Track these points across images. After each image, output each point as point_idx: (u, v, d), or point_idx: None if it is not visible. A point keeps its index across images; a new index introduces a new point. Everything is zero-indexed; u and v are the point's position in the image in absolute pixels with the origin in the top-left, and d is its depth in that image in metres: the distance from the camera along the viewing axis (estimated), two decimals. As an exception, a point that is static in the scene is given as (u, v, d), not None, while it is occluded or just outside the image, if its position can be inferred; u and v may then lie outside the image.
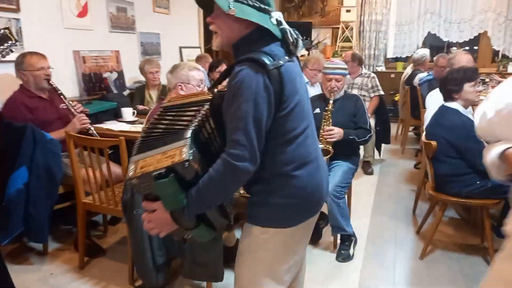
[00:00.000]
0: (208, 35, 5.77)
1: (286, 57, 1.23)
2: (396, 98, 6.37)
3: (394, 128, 5.37)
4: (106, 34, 3.69)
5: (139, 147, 1.20)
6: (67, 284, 2.26)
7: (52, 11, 3.10)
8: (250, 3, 1.19)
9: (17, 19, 2.81)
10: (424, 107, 3.97)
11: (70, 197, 2.60)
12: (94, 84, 3.49)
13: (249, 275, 1.34)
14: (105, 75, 3.60)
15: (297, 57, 1.33)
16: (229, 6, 1.15)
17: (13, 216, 2.32)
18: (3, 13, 2.70)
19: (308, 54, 6.64)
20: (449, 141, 2.39)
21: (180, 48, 4.87)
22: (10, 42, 1.37)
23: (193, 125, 1.15)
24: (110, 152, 2.31)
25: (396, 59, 6.99)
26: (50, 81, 2.62)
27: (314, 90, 3.87)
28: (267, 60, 1.15)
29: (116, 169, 2.45)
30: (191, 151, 1.07)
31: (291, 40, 1.23)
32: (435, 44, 6.81)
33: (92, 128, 2.62)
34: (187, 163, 1.06)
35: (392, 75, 6.69)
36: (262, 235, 1.29)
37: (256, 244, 1.31)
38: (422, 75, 4.50)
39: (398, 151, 4.97)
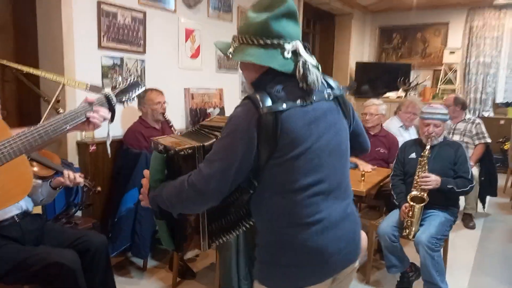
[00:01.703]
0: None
1: (298, 101, 1.11)
2: (506, 147, 5.79)
3: (502, 179, 4.88)
4: (213, 73, 4.07)
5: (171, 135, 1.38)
6: (160, 300, 2.46)
7: (170, 53, 3.55)
8: (254, 42, 1.12)
9: (143, 60, 3.27)
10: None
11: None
12: (199, 118, 3.83)
13: None
14: (209, 110, 3.94)
15: (338, 98, 1.23)
16: (228, 51, 1.16)
17: (122, 231, 2.63)
18: (133, 55, 3.17)
19: (405, 96, 6.45)
20: None
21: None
22: (139, 87, 1.61)
23: (206, 143, 1.20)
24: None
25: (507, 105, 6.40)
26: (165, 115, 2.97)
27: (409, 134, 3.75)
28: (267, 102, 1.08)
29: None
30: (187, 152, 1.16)
31: (309, 80, 1.10)
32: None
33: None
34: (172, 152, 1.16)
35: (502, 121, 6.12)
36: None
37: None
38: (537, 123, 4.07)
39: (507, 205, 4.48)
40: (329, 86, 1.23)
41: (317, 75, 1.13)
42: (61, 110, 2.55)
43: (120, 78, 1.59)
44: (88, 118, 1.37)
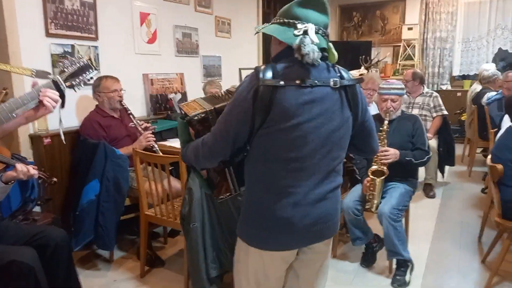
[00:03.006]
0: (267, 56, 5.94)
1: (297, 81, 1.18)
2: (462, 118, 6.04)
3: (460, 149, 5.09)
4: (172, 58, 3.97)
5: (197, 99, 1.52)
6: (129, 290, 2.43)
7: (125, 39, 3.42)
8: (276, 20, 1.27)
9: (95, 47, 3.13)
10: (493, 128, 3.76)
11: (135, 209, 2.80)
12: (160, 104, 3.75)
13: (238, 285, 1.46)
14: (170, 96, 3.86)
15: (346, 88, 1.27)
16: (256, 28, 1.31)
17: (85, 224, 2.55)
18: (84, 42, 3.04)
19: (367, 73, 6.56)
20: (517, 165, 2.24)
21: (240, 69, 5.07)
22: (91, 71, 1.54)
23: (217, 105, 1.39)
24: (171, 168, 2.47)
25: (463, 77, 6.65)
26: (122, 102, 2.88)
27: (370, 110, 3.81)
28: (267, 75, 1.18)
29: (176, 183, 2.61)
30: (200, 116, 1.37)
31: (303, 51, 1.17)
32: (508, 60, 6.40)
33: (156, 146, 2.82)
34: (188, 118, 1.38)
35: (459, 94, 6.37)
36: (241, 247, 1.40)
37: (238, 255, 1.43)
38: (491, 94, 4.25)
39: (465, 173, 4.69)
40: (341, 75, 1.28)
41: (314, 50, 1.18)
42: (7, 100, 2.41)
43: (67, 61, 1.51)
44: (40, 101, 1.31)
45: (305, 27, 1.20)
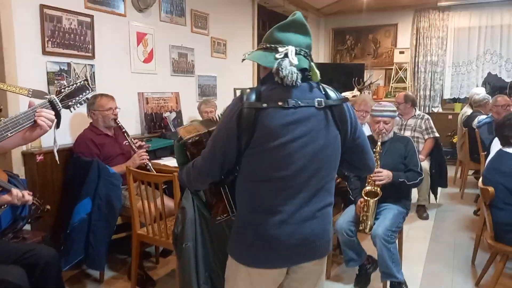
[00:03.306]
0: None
1: (280, 103, 1.22)
2: (454, 140, 6.12)
3: (452, 171, 5.13)
4: (168, 77, 4.00)
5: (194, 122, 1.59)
6: (118, 312, 2.37)
7: (122, 58, 3.45)
8: (260, 46, 1.33)
9: (92, 65, 3.16)
10: (484, 150, 3.81)
11: (126, 228, 2.77)
12: (155, 123, 3.75)
13: None
14: (165, 114, 3.87)
15: (332, 108, 1.29)
16: (243, 55, 1.35)
17: (75, 243, 2.52)
18: (81, 60, 3.06)
19: (360, 95, 6.66)
20: (507, 188, 2.27)
21: (235, 89, 5.11)
22: (88, 91, 1.56)
23: (210, 128, 1.44)
24: (164, 187, 2.46)
25: (454, 100, 6.77)
26: (117, 120, 2.88)
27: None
28: (251, 98, 1.24)
29: (169, 202, 2.59)
30: (194, 139, 1.43)
31: (281, 74, 1.22)
32: (497, 84, 6.55)
33: (150, 164, 2.81)
34: (182, 141, 1.44)
35: (450, 116, 6.47)
36: (231, 265, 1.41)
37: (228, 272, 1.45)
38: (481, 117, 4.32)
39: (457, 195, 4.72)
40: (326, 94, 1.32)
41: (292, 71, 1.23)
42: (2, 119, 2.40)
43: (64, 82, 1.53)
44: (35, 121, 1.31)
45: (285, 49, 1.25)
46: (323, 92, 1.32)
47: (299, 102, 1.25)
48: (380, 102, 2.81)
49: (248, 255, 1.33)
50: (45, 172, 2.73)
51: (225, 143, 1.27)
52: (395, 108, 2.73)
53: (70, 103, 1.52)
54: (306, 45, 1.31)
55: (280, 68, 1.22)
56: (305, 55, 1.30)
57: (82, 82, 1.59)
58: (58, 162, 1.89)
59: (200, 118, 4.01)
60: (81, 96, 1.57)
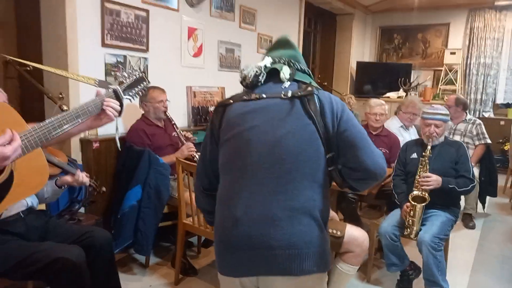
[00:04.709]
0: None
1: (244, 97, 1.31)
2: (506, 147, 5.83)
3: (502, 180, 4.89)
4: (215, 72, 4.08)
5: None
6: (162, 297, 2.47)
7: (173, 52, 3.56)
8: None
9: (145, 58, 3.28)
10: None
11: (171, 218, 2.86)
12: (201, 116, 3.84)
13: None
14: (211, 108, 3.95)
15: (301, 98, 1.26)
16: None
17: (125, 228, 2.64)
18: (136, 53, 3.19)
19: (406, 97, 6.47)
20: None
21: (278, 86, 5.13)
22: (144, 83, 1.63)
23: None
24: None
25: (507, 105, 6.43)
26: (167, 112, 2.98)
27: (409, 134, 3.76)
28: (227, 100, 1.36)
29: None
30: None
31: (242, 75, 1.37)
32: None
33: (197, 156, 2.89)
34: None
35: (502, 122, 6.15)
36: None
37: None
38: (538, 125, 4.09)
39: (507, 206, 4.50)
40: (299, 85, 1.33)
41: (250, 71, 1.34)
42: (65, 107, 2.55)
43: (125, 73, 1.61)
44: (103, 110, 1.40)
45: (266, 59, 1.37)
46: (297, 84, 1.34)
47: (263, 95, 1.29)
48: (433, 105, 2.72)
49: (216, 257, 1.31)
50: (100, 158, 2.87)
51: (207, 141, 1.39)
52: (447, 112, 2.64)
53: (130, 93, 1.60)
54: (288, 55, 1.39)
55: (242, 71, 1.37)
56: (285, 62, 1.36)
57: (140, 74, 1.66)
58: (120, 149, 1.99)
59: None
60: (139, 87, 1.65)
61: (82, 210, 2.66)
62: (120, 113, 1.58)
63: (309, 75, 1.41)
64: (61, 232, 1.99)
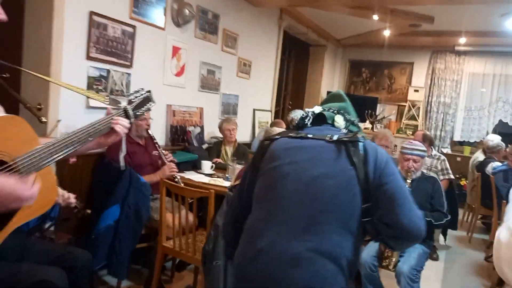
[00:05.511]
0: (278, 99, 6.10)
1: (291, 134, 1.36)
2: (461, 183, 6.19)
3: (460, 213, 5.16)
4: (196, 92, 4.06)
5: None
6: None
7: (156, 69, 3.51)
8: None
9: (129, 74, 3.21)
10: (498, 197, 3.86)
11: (146, 239, 2.76)
12: (179, 136, 3.79)
13: None
14: (189, 128, 3.91)
15: (346, 143, 1.26)
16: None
17: (99, 249, 2.51)
18: (120, 68, 3.12)
19: (372, 129, 6.76)
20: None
21: (254, 110, 5.19)
22: (151, 103, 1.60)
23: None
24: (191, 201, 2.47)
25: (462, 143, 6.87)
26: (149, 131, 2.92)
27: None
28: (274, 135, 1.43)
29: (190, 217, 2.59)
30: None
31: (289, 118, 1.51)
32: (506, 132, 6.66)
33: (179, 177, 2.84)
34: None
35: (458, 159, 6.55)
36: None
37: None
38: (496, 164, 4.39)
39: (465, 238, 4.74)
40: (347, 132, 1.38)
41: (297, 115, 1.46)
42: (43, 119, 2.43)
43: (134, 93, 1.58)
44: (112, 128, 1.36)
45: (314, 108, 1.46)
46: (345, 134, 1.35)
47: (309, 135, 1.33)
48: (411, 141, 2.87)
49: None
50: (75, 174, 2.75)
51: (248, 172, 1.42)
52: (425, 148, 2.78)
53: (138, 113, 1.57)
54: (339, 106, 1.46)
55: (289, 114, 1.49)
56: (334, 111, 1.43)
57: (147, 93, 1.64)
58: (123, 168, 1.92)
59: (219, 135, 4.06)
60: (146, 106, 1.62)
61: (52, 228, 2.50)
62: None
63: (358, 126, 1.47)
64: (38, 252, 1.86)
